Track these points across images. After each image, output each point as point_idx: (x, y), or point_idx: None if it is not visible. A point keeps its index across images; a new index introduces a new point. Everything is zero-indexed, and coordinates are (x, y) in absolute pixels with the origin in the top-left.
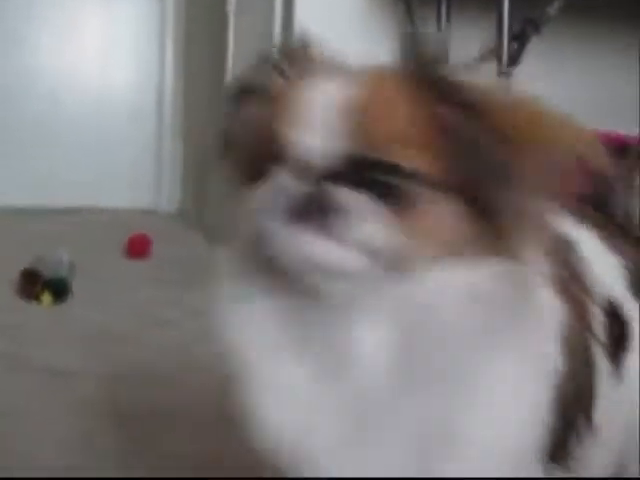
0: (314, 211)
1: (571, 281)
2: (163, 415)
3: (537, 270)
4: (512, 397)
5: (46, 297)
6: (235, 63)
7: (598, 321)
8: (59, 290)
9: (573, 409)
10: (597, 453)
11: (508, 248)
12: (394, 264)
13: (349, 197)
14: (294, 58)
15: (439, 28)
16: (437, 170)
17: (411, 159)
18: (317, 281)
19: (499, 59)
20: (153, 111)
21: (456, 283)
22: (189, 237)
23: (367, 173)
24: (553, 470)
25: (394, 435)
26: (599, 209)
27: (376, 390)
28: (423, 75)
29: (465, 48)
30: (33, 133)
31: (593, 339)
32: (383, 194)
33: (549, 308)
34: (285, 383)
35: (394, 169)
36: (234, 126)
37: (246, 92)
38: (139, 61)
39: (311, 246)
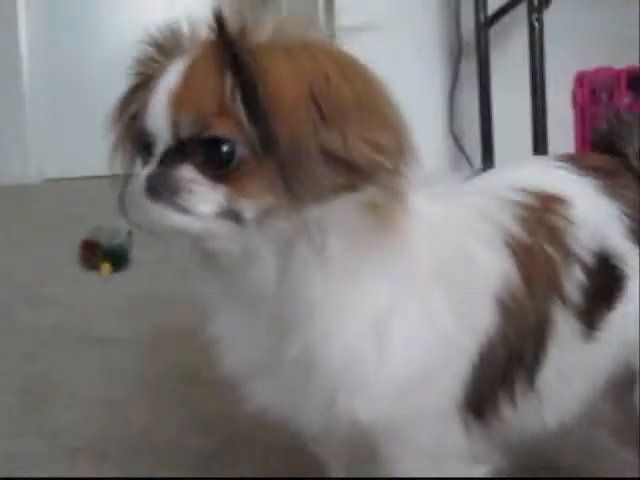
0: (162, 189)
1: (541, 241)
2: (195, 382)
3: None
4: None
5: (105, 266)
6: None
7: (574, 282)
8: (118, 259)
9: (509, 369)
10: (539, 412)
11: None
12: (239, 220)
13: (182, 175)
14: (163, 43)
15: None
16: (244, 137)
17: (224, 128)
18: (186, 242)
19: (530, 1)
20: None
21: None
22: None
23: (195, 147)
24: (475, 425)
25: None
26: (611, 147)
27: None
28: (221, 43)
29: None
30: None
31: (558, 300)
32: (212, 163)
33: (472, 267)
34: (225, 330)
35: (214, 140)
36: (122, 110)
37: (131, 77)
38: None
39: (162, 217)
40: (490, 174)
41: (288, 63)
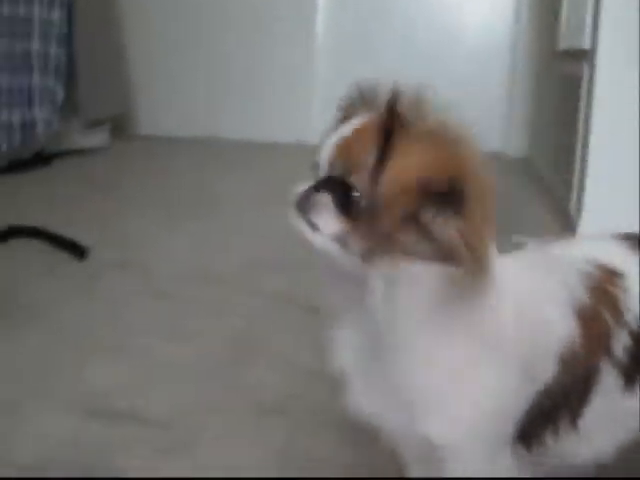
0: (304, 204)
1: (602, 307)
2: None
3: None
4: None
5: None
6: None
7: (621, 344)
8: None
9: (556, 410)
10: (580, 448)
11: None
12: (348, 249)
13: (321, 201)
14: (362, 96)
15: None
16: (370, 195)
17: (360, 182)
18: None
19: None
20: (506, 54)
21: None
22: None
23: (338, 185)
24: (522, 453)
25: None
26: None
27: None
28: (386, 120)
29: None
30: None
31: (606, 358)
32: (343, 202)
33: (532, 319)
34: (339, 331)
35: (350, 186)
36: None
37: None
38: (494, 2)
39: (298, 224)
40: (566, 245)
41: (417, 154)
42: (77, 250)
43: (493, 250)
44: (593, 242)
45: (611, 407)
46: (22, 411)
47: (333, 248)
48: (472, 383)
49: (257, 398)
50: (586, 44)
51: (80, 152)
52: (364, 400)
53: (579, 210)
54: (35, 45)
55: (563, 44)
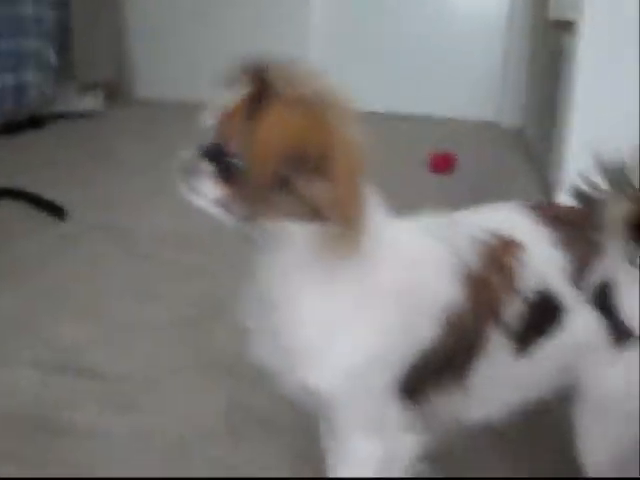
0: (188, 170)
1: (493, 275)
2: None
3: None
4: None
5: None
6: None
7: (513, 309)
8: None
9: (441, 369)
10: (469, 409)
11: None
12: (233, 213)
13: (203, 167)
14: (247, 68)
15: None
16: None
17: (238, 148)
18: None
19: None
20: (502, 23)
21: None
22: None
23: (221, 152)
24: (409, 404)
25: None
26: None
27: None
28: (255, 90)
29: None
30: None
31: (495, 324)
32: (224, 168)
33: (416, 283)
34: (247, 286)
35: (229, 154)
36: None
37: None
38: None
39: (182, 188)
40: (469, 212)
41: (284, 121)
42: (56, 211)
43: (367, 210)
44: (499, 211)
45: (501, 371)
46: None
47: (217, 212)
48: (349, 335)
49: (212, 359)
50: (572, 15)
51: (74, 116)
52: (260, 351)
53: (558, 181)
54: (28, 9)
55: (553, 15)
